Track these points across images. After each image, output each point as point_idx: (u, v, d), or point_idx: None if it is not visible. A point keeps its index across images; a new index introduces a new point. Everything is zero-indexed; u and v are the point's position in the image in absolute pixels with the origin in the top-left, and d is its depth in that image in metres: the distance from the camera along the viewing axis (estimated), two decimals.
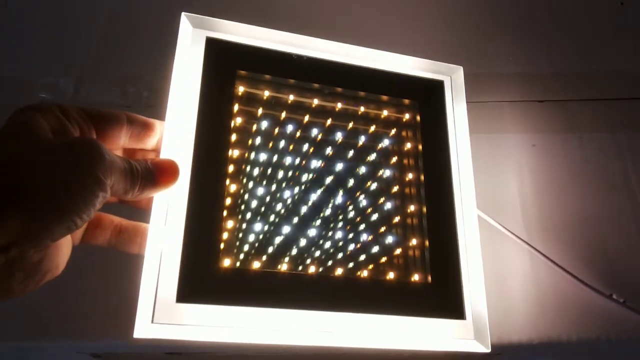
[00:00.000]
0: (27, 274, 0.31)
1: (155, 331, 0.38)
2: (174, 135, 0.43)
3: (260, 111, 0.51)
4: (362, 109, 0.52)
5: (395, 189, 0.52)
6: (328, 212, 0.51)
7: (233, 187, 0.46)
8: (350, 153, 0.52)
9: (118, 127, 0.37)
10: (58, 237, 0.31)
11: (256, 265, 0.47)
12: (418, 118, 0.51)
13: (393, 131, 0.53)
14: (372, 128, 0.53)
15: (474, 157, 0.50)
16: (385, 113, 0.52)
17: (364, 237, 0.50)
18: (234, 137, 0.47)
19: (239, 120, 0.48)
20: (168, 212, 0.41)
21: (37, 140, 0.31)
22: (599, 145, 0.62)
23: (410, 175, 0.51)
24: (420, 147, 0.50)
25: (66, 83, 0.67)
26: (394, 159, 0.52)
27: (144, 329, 0.38)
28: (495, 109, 0.62)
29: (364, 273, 0.48)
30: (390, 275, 0.48)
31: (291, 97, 0.51)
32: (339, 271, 0.48)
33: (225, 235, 0.45)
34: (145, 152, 0.42)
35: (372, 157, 0.53)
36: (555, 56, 0.65)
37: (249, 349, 0.51)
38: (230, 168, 0.46)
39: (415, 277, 0.48)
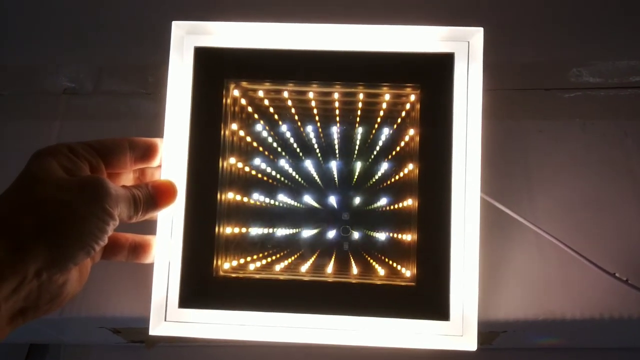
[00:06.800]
0: (52, 296, 0.36)
1: (168, 328, 0.45)
2: (171, 150, 0.46)
3: (253, 116, 0.53)
4: (361, 96, 0.50)
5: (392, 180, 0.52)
6: (324, 213, 0.53)
7: (230, 195, 0.50)
8: (351, 147, 0.53)
9: (122, 155, 0.42)
10: (80, 261, 0.37)
11: (251, 267, 0.50)
12: (419, 104, 0.47)
13: (394, 118, 0.52)
14: (376, 118, 0.52)
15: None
16: (386, 97, 0.50)
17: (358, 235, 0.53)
18: (227, 145, 0.49)
19: (234, 127, 0.50)
20: (172, 223, 0.46)
21: (54, 181, 0.36)
22: (602, 132, 0.64)
23: (410, 166, 0.50)
24: (419, 133, 0.47)
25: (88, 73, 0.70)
26: (394, 149, 0.52)
27: (158, 326, 0.45)
28: (504, 96, 0.65)
29: (355, 271, 0.51)
30: (381, 273, 0.50)
31: (286, 95, 0.51)
32: (329, 270, 0.50)
33: (220, 243, 0.48)
34: (152, 170, 0.47)
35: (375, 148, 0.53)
36: (560, 46, 0.68)
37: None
38: (224, 177, 0.48)
39: (406, 274, 0.49)
